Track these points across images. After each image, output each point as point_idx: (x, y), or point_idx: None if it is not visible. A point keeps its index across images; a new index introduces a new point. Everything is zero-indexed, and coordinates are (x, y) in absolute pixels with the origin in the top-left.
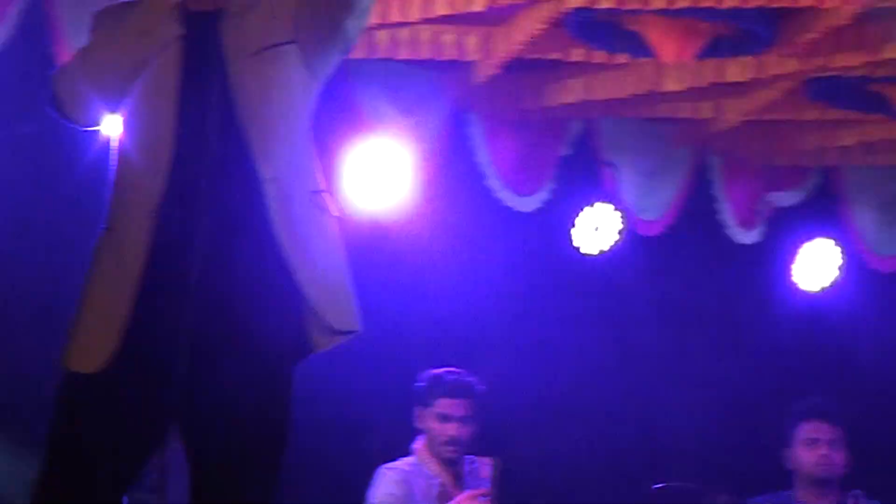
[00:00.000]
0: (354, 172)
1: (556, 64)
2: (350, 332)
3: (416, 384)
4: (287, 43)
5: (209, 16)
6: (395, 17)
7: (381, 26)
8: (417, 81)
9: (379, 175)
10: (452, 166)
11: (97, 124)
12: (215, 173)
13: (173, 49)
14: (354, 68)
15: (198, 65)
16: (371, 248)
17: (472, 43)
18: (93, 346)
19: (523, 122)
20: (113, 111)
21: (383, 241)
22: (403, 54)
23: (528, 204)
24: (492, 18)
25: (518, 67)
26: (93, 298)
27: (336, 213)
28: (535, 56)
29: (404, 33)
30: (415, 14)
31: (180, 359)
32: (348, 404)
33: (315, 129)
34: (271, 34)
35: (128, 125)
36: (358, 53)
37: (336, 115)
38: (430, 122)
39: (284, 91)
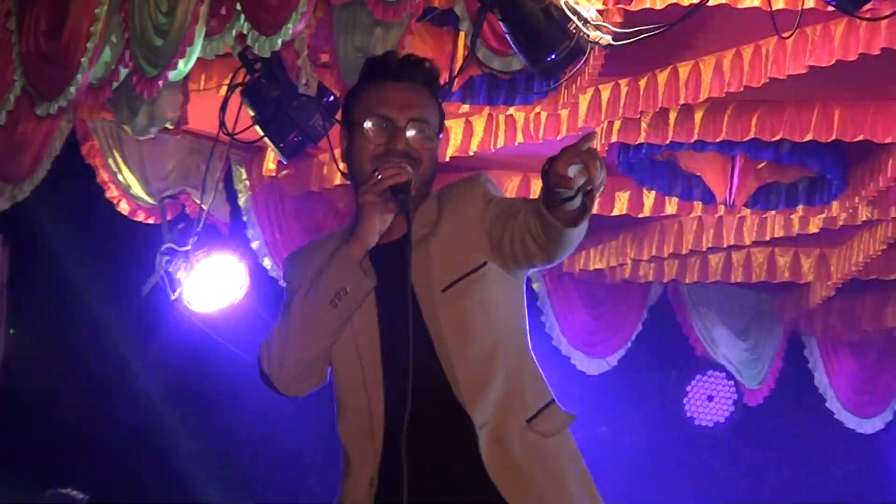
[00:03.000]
0: (691, 394)
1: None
2: None
3: None
4: (478, 268)
5: (395, 244)
6: (730, 240)
7: (715, 250)
8: (751, 304)
9: (713, 396)
10: (789, 389)
11: (303, 394)
12: (427, 426)
13: (369, 302)
14: (688, 291)
15: (393, 305)
16: (703, 465)
17: (807, 265)
18: None
19: (862, 344)
20: (318, 381)
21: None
22: (737, 277)
23: (870, 426)
24: (827, 240)
25: (854, 288)
26: None
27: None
28: (873, 277)
29: (739, 256)
30: (749, 237)
31: None
32: None
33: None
34: (458, 265)
35: (340, 386)
36: (690, 277)
37: (671, 339)
38: (765, 344)
39: (482, 318)
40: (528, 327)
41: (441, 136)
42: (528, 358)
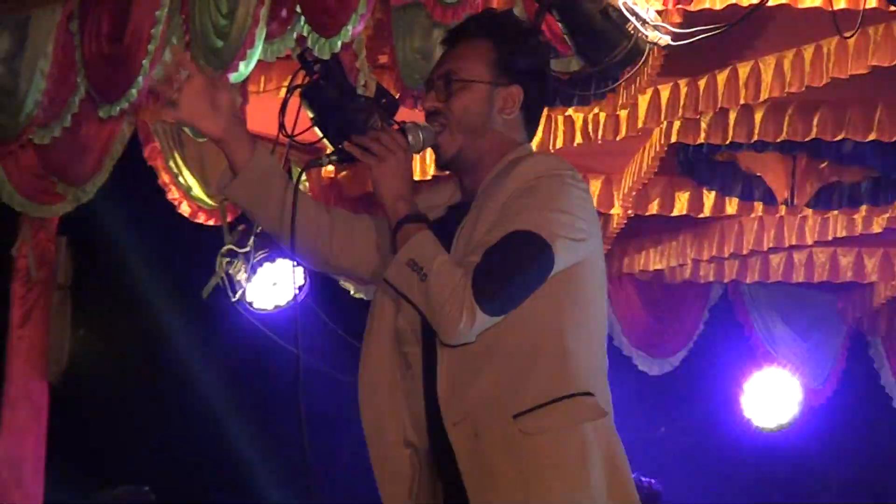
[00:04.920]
0: (754, 395)
1: None
2: None
3: None
4: None
5: (455, 208)
6: (791, 240)
7: (776, 250)
8: (813, 304)
9: (776, 397)
10: (853, 389)
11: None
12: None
13: None
14: (749, 291)
15: None
16: (767, 467)
17: (870, 265)
18: None
19: None
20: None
21: (779, 460)
22: (799, 277)
23: None
24: (891, 240)
25: None
26: None
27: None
28: None
29: (800, 256)
30: (810, 237)
31: None
32: None
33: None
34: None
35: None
36: (751, 277)
37: (732, 339)
38: (828, 344)
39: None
40: (573, 319)
41: (500, 86)
42: (548, 351)
